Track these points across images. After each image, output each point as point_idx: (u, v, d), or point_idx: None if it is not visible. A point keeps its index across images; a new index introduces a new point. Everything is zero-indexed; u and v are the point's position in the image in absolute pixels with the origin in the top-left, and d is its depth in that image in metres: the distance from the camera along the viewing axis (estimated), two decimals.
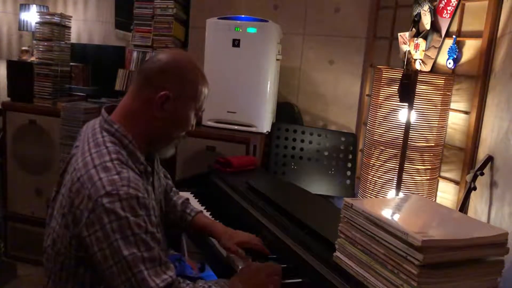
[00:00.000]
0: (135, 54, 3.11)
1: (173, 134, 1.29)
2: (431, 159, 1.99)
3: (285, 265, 1.35)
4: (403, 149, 1.74)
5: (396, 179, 1.79)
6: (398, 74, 1.97)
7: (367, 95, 2.76)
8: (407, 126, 1.73)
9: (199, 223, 1.54)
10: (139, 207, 1.10)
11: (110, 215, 1.06)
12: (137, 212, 1.09)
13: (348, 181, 2.56)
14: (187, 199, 1.62)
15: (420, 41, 2.14)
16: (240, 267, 1.34)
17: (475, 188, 1.67)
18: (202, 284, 1.18)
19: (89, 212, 1.08)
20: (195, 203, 1.89)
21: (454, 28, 2.04)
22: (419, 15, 2.21)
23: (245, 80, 2.55)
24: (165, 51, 1.30)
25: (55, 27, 2.94)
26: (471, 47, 1.96)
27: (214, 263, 1.59)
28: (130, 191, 1.09)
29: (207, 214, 1.78)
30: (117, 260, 1.06)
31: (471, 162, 1.92)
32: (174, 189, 1.66)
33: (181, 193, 1.98)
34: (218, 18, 2.59)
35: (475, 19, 1.95)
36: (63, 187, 1.21)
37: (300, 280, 1.28)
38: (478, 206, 1.77)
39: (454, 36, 2.01)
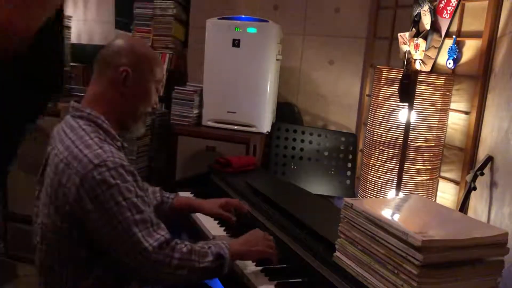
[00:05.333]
0: None
1: (139, 109, 1.36)
2: (431, 159, 1.99)
3: (285, 265, 1.36)
4: (403, 149, 1.74)
5: (396, 179, 1.79)
6: (398, 74, 1.97)
7: (367, 95, 2.76)
8: (407, 126, 1.73)
9: (180, 202, 1.65)
10: (127, 174, 1.18)
11: (102, 186, 1.13)
12: (126, 178, 1.17)
13: (348, 181, 2.56)
14: (160, 188, 1.69)
15: (420, 41, 2.14)
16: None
17: (475, 188, 1.67)
18: (201, 244, 1.26)
19: (77, 187, 1.14)
20: None
21: (454, 28, 2.04)
22: (419, 15, 2.21)
23: (245, 80, 2.55)
24: (116, 37, 1.40)
25: None
26: (471, 47, 1.96)
27: None
28: (116, 160, 1.17)
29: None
30: (113, 226, 1.14)
31: (471, 162, 1.92)
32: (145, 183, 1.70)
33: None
34: (218, 18, 2.60)
35: (475, 19, 1.95)
36: (45, 182, 1.26)
37: (300, 280, 1.28)
38: (478, 206, 1.77)
39: (454, 36, 2.01)
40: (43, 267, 1.26)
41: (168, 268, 1.17)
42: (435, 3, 2.12)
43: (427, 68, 2.14)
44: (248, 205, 1.62)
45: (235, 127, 2.59)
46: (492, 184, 1.65)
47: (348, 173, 2.56)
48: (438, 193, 2.11)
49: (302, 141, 2.59)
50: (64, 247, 1.20)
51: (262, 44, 2.52)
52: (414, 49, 2.18)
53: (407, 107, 1.70)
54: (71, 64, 3.12)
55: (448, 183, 2.07)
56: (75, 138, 1.22)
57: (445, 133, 2.05)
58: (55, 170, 1.21)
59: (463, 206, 1.74)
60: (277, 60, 2.63)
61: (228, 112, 2.59)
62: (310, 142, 2.59)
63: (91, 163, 1.15)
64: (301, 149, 2.59)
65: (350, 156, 2.57)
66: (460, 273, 0.97)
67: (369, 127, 2.16)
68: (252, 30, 2.51)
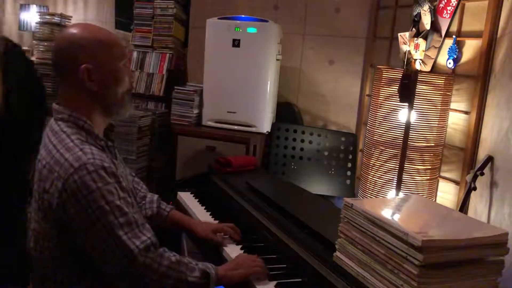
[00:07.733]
0: (135, 54, 3.11)
1: (117, 94, 1.30)
2: (431, 159, 1.99)
3: (285, 265, 1.36)
4: (403, 149, 1.74)
5: (396, 179, 1.79)
6: (398, 74, 1.97)
7: (367, 95, 2.76)
8: (407, 126, 1.73)
9: (175, 218, 1.62)
10: (108, 176, 1.15)
11: (83, 190, 1.12)
12: (107, 180, 1.15)
13: (348, 181, 2.56)
14: (159, 196, 1.67)
15: (420, 41, 2.14)
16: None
17: (475, 188, 1.67)
18: (188, 259, 1.24)
19: (60, 192, 1.13)
20: (195, 203, 1.89)
21: (454, 28, 2.04)
22: (419, 15, 2.21)
23: (245, 80, 2.55)
24: (60, 35, 1.30)
25: (55, 27, 2.94)
26: (471, 47, 1.96)
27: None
28: (97, 162, 1.15)
29: (207, 214, 1.78)
30: (96, 230, 1.13)
31: (471, 162, 1.92)
32: (144, 185, 1.68)
33: (181, 193, 1.99)
34: (218, 18, 2.60)
35: (475, 19, 1.95)
36: (33, 188, 1.25)
37: (300, 280, 1.28)
38: (478, 206, 1.77)
39: (454, 36, 2.01)
40: (37, 272, 1.26)
41: (155, 275, 1.15)
42: (435, 3, 2.12)
43: (427, 68, 2.14)
44: (239, 232, 1.55)
45: (235, 127, 2.59)
46: (492, 184, 1.65)
47: (348, 173, 2.56)
48: (438, 193, 2.11)
49: (302, 141, 2.59)
50: (56, 252, 1.20)
51: (262, 44, 2.52)
52: (414, 49, 2.18)
53: (407, 107, 1.70)
54: None
55: (448, 183, 2.07)
56: (56, 142, 1.20)
57: (445, 133, 2.05)
58: (39, 176, 1.20)
59: (463, 206, 1.74)
60: (277, 60, 2.63)
61: (228, 112, 2.59)
62: (310, 142, 2.59)
63: (72, 167, 1.13)
64: (301, 149, 2.59)
65: (350, 156, 2.57)
66: (460, 273, 0.97)
67: (369, 127, 2.16)
68: (252, 30, 2.51)
